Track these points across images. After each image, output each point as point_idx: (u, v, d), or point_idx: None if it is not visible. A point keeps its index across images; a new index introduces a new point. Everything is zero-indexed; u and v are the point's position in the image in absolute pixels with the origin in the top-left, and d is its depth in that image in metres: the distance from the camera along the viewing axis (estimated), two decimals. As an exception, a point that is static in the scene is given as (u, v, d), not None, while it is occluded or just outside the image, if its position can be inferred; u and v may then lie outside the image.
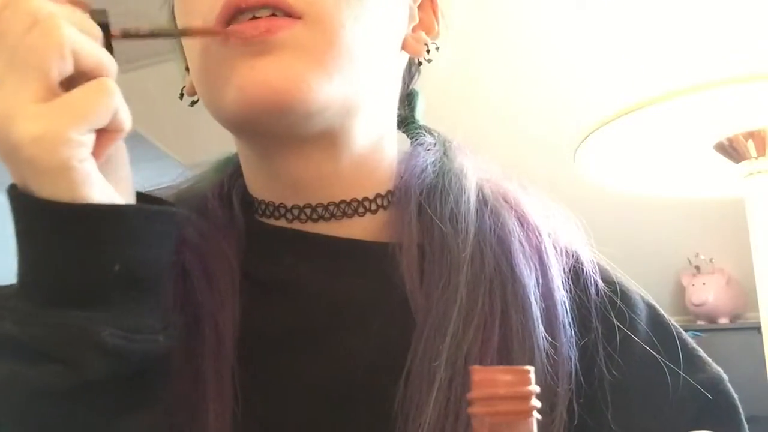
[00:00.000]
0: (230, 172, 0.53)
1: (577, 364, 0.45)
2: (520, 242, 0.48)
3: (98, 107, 0.34)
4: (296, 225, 0.49)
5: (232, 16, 0.42)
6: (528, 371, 0.24)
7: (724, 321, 1.98)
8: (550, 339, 0.44)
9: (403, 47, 0.50)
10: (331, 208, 0.48)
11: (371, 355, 0.44)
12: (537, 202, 0.52)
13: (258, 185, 0.50)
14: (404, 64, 0.53)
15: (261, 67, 0.42)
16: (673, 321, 0.50)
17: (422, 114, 0.60)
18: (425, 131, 0.56)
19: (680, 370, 0.46)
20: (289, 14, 0.42)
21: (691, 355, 0.48)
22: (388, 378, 0.42)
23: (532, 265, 0.47)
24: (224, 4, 0.42)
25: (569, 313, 0.46)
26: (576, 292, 0.48)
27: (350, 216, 0.49)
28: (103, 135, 0.36)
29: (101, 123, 0.35)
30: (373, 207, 0.49)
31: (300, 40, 0.42)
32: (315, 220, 0.48)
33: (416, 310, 0.45)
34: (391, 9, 0.48)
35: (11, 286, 0.39)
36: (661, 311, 0.51)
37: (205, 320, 0.43)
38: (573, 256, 0.50)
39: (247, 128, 0.45)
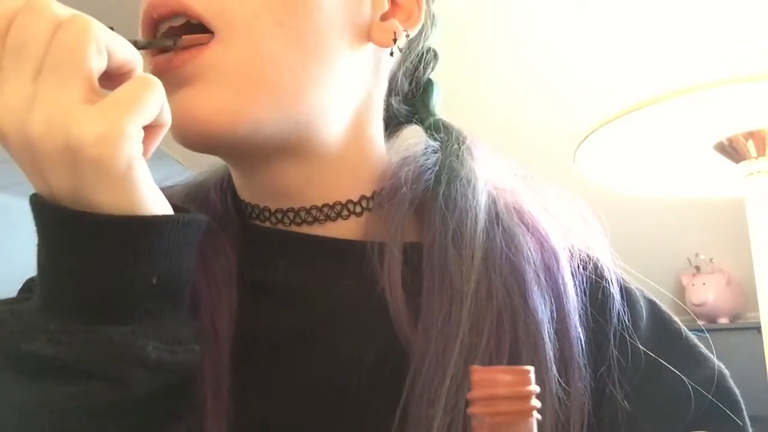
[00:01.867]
0: (230, 171, 0.52)
1: (590, 408, 0.42)
2: (536, 271, 0.44)
3: (150, 101, 0.34)
4: (281, 228, 0.48)
5: (154, 28, 0.42)
6: (528, 371, 0.24)
7: (724, 321, 1.99)
8: (562, 383, 0.41)
9: (369, 38, 0.47)
10: (313, 211, 0.47)
11: (366, 358, 0.43)
12: (556, 210, 0.49)
13: (242, 189, 0.50)
14: (384, 55, 0.49)
15: (181, 100, 0.41)
16: (671, 315, 0.49)
17: (438, 106, 0.56)
18: (438, 127, 0.53)
19: (682, 367, 0.45)
20: (202, 24, 0.41)
21: (693, 352, 0.47)
22: (383, 382, 0.42)
23: (547, 297, 0.43)
24: (142, 19, 0.42)
25: (585, 352, 0.43)
26: (593, 313, 0.45)
27: (333, 219, 0.47)
28: (149, 131, 0.36)
29: (153, 117, 0.35)
30: (357, 209, 0.48)
31: (215, 64, 0.41)
32: (298, 224, 0.48)
33: (394, 314, 0.42)
34: (337, 1, 0.44)
35: (16, 301, 0.38)
36: (662, 307, 0.49)
37: (202, 318, 0.43)
38: (592, 266, 0.47)
39: (199, 151, 0.45)
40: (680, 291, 2.07)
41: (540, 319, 0.42)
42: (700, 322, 2.03)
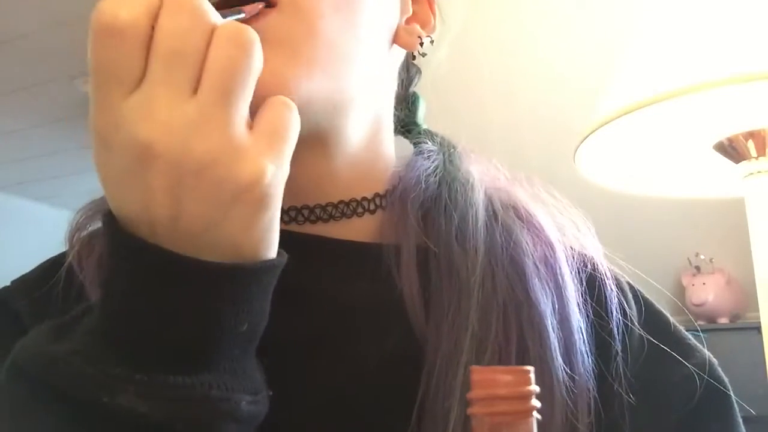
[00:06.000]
0: None
1: (596, 395, 0.43)
2: (535, 264, 0.45)
3: (296, 128, 0.33)
4: (293, 227, 0.47)
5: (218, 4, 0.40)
6: (528, 371, 0.24)
7: (724, 321, 1.99)
8: (568, 371, 0.42)
9: (395, 40, 0.49)
10: (329, 209, 0.47)
11: (381, 362, 0.43)
12: (548, 208, 0.50)
13: None
14: (400, 59, 0.52)
15: None
16: (660, 306, 0.50)
17: (423, 118, 0.58)
18: (427, 135, 0.54)
19: (675, 358, 0.46)
20: (266, 1, 0.40)
21: (683, 343, 0.48)
22: (398, 386, 0.41)
23: (547, 289, 0.44)
24: None
25: (586, 341, 0.44)
26: (592, 307, 0.46)
27: (349, 216, 0.47)
28: None
29: None
30: (372, 207, 0.48)
31: (275, 30, 0.39)
32: (313, 222, 0.47)
33: (413, 316, 0.43)
34: (380, 0, 0.46)
35: (61, 332, 0.34)
36: (651, 299, 0.50)
37: None
38: (588, 263, 0.48)
39: None
40: (680, 291, 2.07)
41: (543, 310, 0.43)
42: (700, 322, 2.03)
